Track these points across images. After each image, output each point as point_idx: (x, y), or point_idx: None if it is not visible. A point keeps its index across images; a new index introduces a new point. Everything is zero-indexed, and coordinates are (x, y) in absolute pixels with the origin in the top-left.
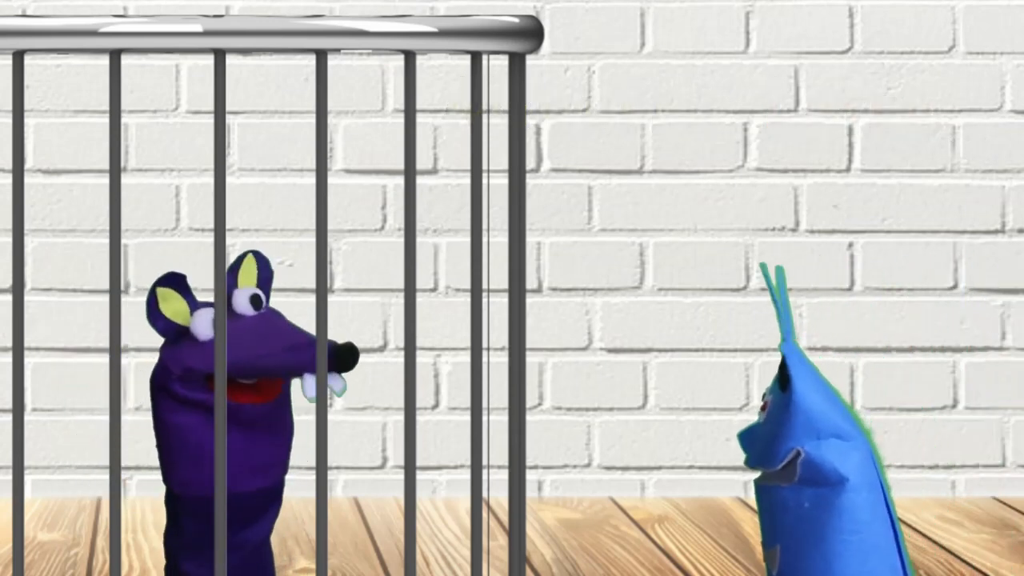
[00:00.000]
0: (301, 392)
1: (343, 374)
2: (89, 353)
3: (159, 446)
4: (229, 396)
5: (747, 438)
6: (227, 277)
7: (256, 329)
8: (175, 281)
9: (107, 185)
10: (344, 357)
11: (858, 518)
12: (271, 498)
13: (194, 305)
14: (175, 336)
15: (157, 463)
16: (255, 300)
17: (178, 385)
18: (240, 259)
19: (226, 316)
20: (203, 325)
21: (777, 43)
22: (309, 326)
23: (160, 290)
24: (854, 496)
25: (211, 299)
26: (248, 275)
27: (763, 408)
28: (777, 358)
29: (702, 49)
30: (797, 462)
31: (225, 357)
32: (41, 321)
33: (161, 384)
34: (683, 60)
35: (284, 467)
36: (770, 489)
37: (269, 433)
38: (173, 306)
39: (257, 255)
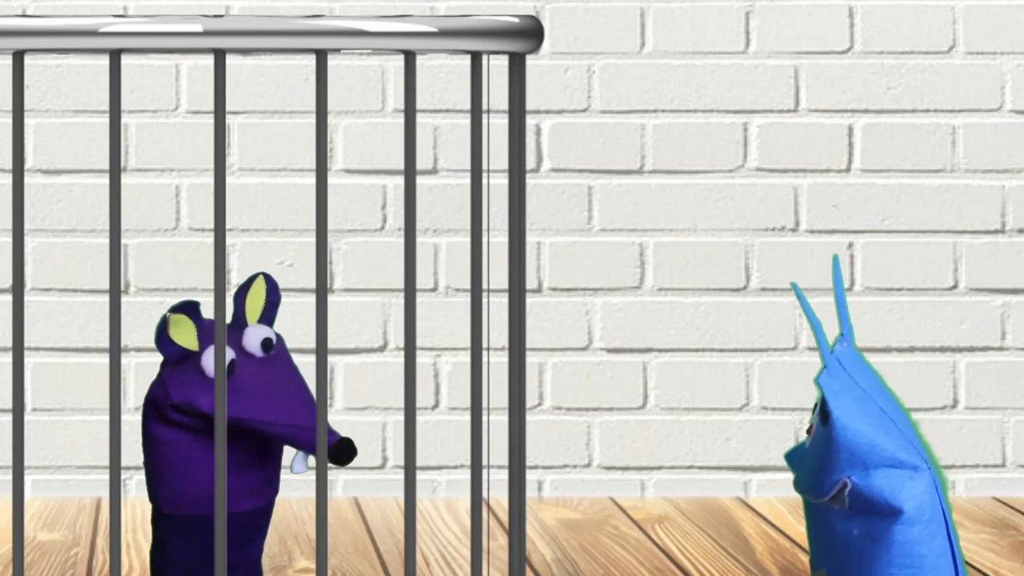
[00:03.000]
0: (289, 466)
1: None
2: (89, 353)
3: (147, 463)
4: None
5: (793, 460)
6: (236, 299)
7: (263, 385)
8: (188, 308)
9: (107, 185)
10: (341, 453)
11: (912, 552)
12: (264, 517)
13: (204, 330)
14: (179, 359)
15: None
16: (266, 344)
17: (172, 411)
18: (250, 281)
19: (225, 327)
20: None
21: (777, 43)
22: (309, 326)
23: (172, 316)
24: (907, 528)
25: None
26: (256, 299)
27: (808, 431)
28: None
29: (702, 49)
30: (844, 493)
31: (224, 363)
32: (41, 321)
33: (157, 404)
34: (683, 60)
35: (276, 486)
36: (819, 509)
37: (261, 453)
38: (182, 330)
39: (267, 278)
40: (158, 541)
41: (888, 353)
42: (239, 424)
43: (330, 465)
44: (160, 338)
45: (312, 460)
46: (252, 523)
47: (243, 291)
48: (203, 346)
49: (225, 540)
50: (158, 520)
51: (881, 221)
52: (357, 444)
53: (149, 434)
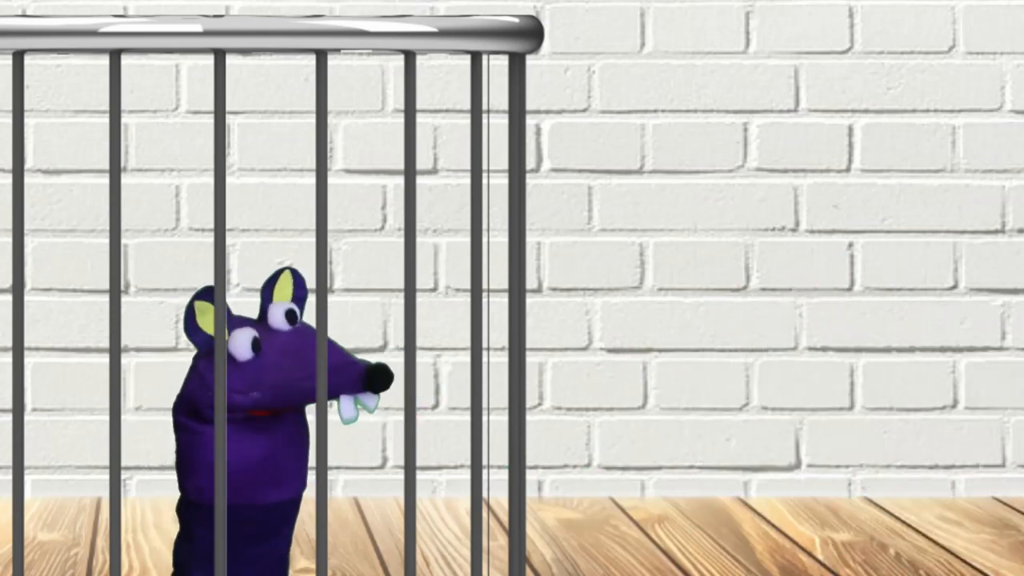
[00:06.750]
0: (337, 414)
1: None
2: (89, 353)
3: (178, 451)
4: (252, 410)
5: None
6: (263, 292)
7: (291, 348)
8: (211, 295)
9: (107, 185)
10: (376, 378)
11: None
12: (291, 511)
13: (230, 319)
14: (207, 350)
15: (157, 463)
16: (290, 315)
17: (210, 408)
18: (276, 275)
19: (225, 319)
20: (241, 345)
21: (777, 43)
22: None
23: (199, 303)
24: None
25: (242, 312)
26: (283, 291)
27: None
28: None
29: (702, 49)
30: None
31: (225, 359)
32: (41, 321)
33: (194, 402)
34: (683, 60)
35: (304, 479)
36: None
37: (289, 444)
38: (210, 319)
39: (294, 272)
40: (185, 530)
41: (888, 353)
42: (278, 393)
43: (368, 395)
44: (189, 327)
45: (363, 399)
46: (277, 518)
47: (270, 283)
48: (229, 331)
49: (224, 538)
50: (185, 510)
51: (881, 221)
52: (357, 444)
53: (183, 428)
